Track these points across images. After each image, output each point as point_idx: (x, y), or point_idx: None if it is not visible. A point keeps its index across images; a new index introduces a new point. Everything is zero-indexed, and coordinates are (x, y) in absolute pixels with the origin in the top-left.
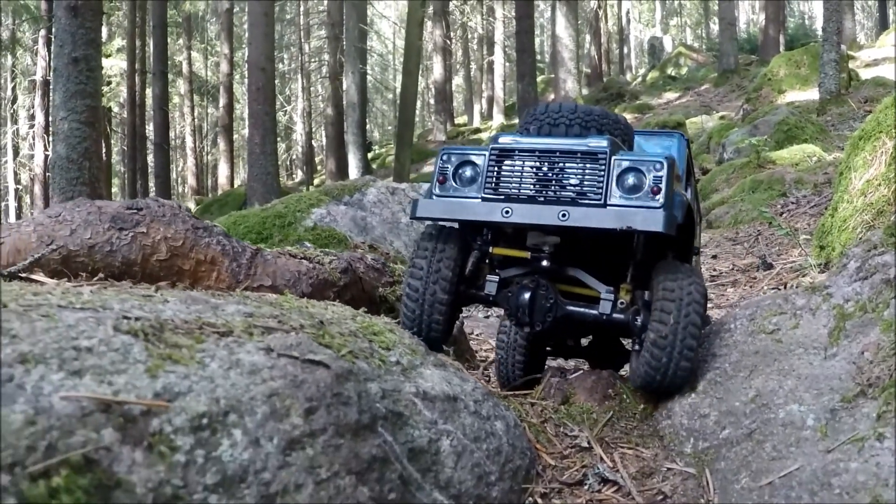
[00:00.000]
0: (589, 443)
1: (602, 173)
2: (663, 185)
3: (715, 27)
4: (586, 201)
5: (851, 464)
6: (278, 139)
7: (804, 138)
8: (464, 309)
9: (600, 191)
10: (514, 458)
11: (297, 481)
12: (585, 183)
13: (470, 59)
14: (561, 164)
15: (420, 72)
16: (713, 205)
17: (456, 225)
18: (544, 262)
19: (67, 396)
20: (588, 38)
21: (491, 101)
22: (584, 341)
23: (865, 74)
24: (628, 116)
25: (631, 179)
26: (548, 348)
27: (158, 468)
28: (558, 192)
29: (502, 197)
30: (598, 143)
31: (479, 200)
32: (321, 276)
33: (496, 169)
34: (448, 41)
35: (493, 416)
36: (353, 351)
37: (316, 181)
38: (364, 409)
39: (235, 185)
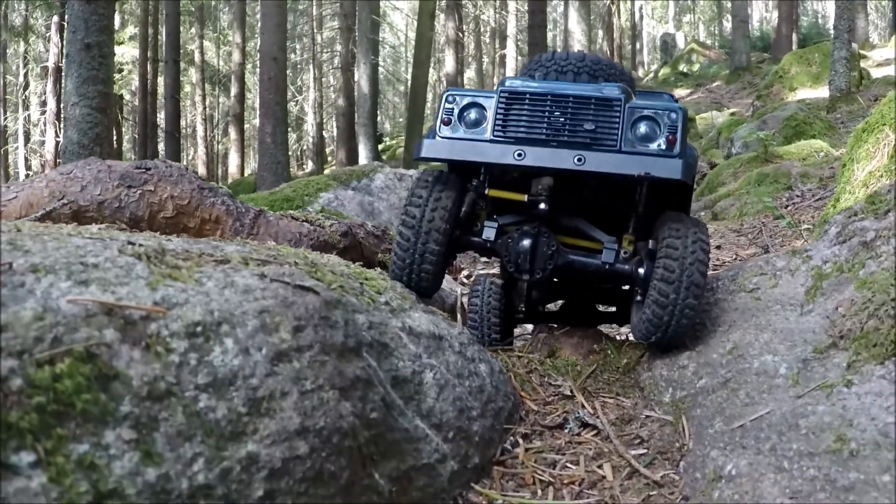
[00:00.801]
0: (571, 392)
1: (617, 120)
2: (678, 135)
3: (728, 24)
4: (600, 147)
5: (819, 407)
6: (289, 129)
7: (812, 134)
8: (461, 286)
9: (615, 137)
10: (496, 398)
11: (283, 389)
12: (599, 129)
13: (482, 52)
14: (573, 110)
15: (432, 64)
16: (719, 197)
17: (446, 169)
18: (542, 206)
19: (74, 300)
20: (601, 33)
21: None
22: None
23: (877, 74)
24: None
25: (644, 128)
26: (519, 315)
27: (154, 366)
28: (571, 137)
29: (513, 139)
30: (612, 90)
31: (489, 142)
32: (322, 237)
33: (505, 111)
34: (460, 34)
35: (478, 359)
36: (343, 286)
37: (326, 171)
38: (350, 335)
39: (246, 175)
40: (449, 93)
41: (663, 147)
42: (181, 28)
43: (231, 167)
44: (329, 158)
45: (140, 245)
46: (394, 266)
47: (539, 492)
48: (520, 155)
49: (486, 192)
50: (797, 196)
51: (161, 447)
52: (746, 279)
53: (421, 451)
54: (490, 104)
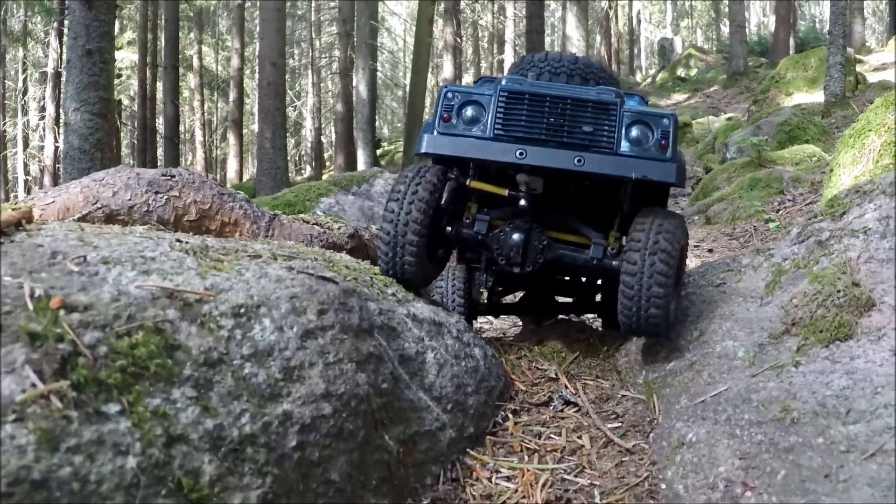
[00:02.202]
0: (556, 374)
1: (613, 123)
2: (670, 140)
3: (725, 29)
4: (597, 149)
5: (769, 384)
6: (288, 134)
7: (806, 139)
8: None
9: (612, 139)
10: (489, 378)
11: (311, 360)
12: (597, 131)
13: (480, 57)
14: (572, 112)
15: (430, 69)
16: (713, 202)
17: (430, 162)
18: (522, 202)
19: (141, 286)
20: (599, 38)
21: None
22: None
23: (873, 78)
24: None
25: (637, 131)
26: (480, 307)
27: (208, 339)
28: (569, 139)
29: (513, 138)
30: (608, 94)
31: (490, 140)
32: (331, 239)
33: (505, 111)
34: (459, 39)
35: (473, 343)
36: (356, 279)
37: (325, 177)
38: (364, 318)
39: (244, 180)
40: (448, 89)
41: (657, 151)
42: (180, 33)
43: (230, 172)
44: (327, 163)
45: (186, 242)
46: (380, 262)
47: (526, 457)
48: (521, 154)
49: (469, 183)
50: (788, 200)
51: (216, 403)
52: (714, 275)
53: (424, 419)
54: (488, 102)
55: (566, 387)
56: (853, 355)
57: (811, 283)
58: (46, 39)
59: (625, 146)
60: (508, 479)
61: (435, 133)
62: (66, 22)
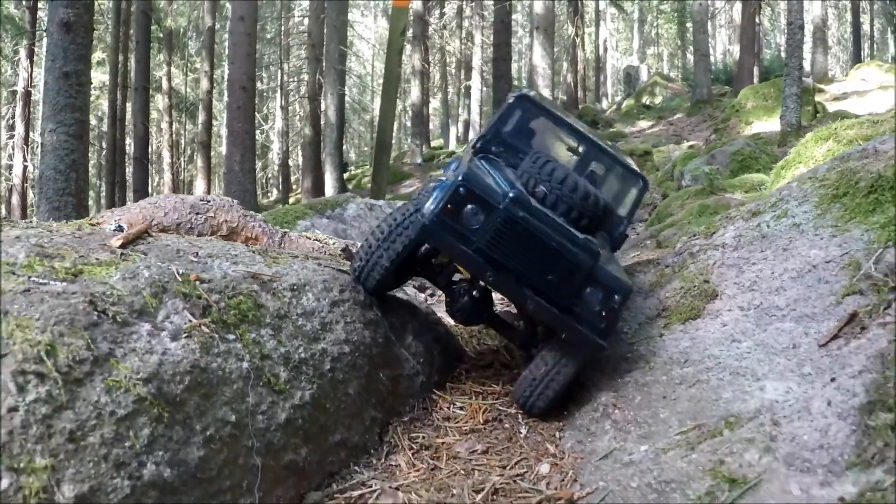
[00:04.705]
0: (497, 348)
1: (575, 282)
2: (613, 317)
3: (691, 57)
4: (551, 300)
5: (640, 348)
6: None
7: (757, 168)
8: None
9: (567, 296)
10: (449, 346)
11: (336, 319)
12: (559, 284)
13: (447, 82)
14: (548, 258)
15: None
16: (664, 227)
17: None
18: (475, 293)
19: (236, 270)
20: (565, 65)
21: (467, 124)
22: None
23: (833, 107)
24: None
25: (590, 291)
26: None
27: (277, 303)
28: (534, 280)
29: (491, 260)
30: (586, 255)
31: (473, 251)
32: (328, 252)
33: (499, 230)
34: (426, 65)
35: (438, 322)
36: None
37: (291, 200)
38: (367, 296)
39: None
40: (464, 182)
41: (596, 319)
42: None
43: (197, 194)
44: (294, 186)
45: (251, 248)
46: (353, 263)
47: (473, 397)
48: (490, 277)
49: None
50: None
51: (284, 339)
52: None
53: (404, 367)
54: (488, 210)
55: (503, 354)
56: (697, 328)
57: (679, 282)
58: (16, 58)
59: (575, 302)
60: (461, 408)
61: (434, 219)
62: (44, 44)
